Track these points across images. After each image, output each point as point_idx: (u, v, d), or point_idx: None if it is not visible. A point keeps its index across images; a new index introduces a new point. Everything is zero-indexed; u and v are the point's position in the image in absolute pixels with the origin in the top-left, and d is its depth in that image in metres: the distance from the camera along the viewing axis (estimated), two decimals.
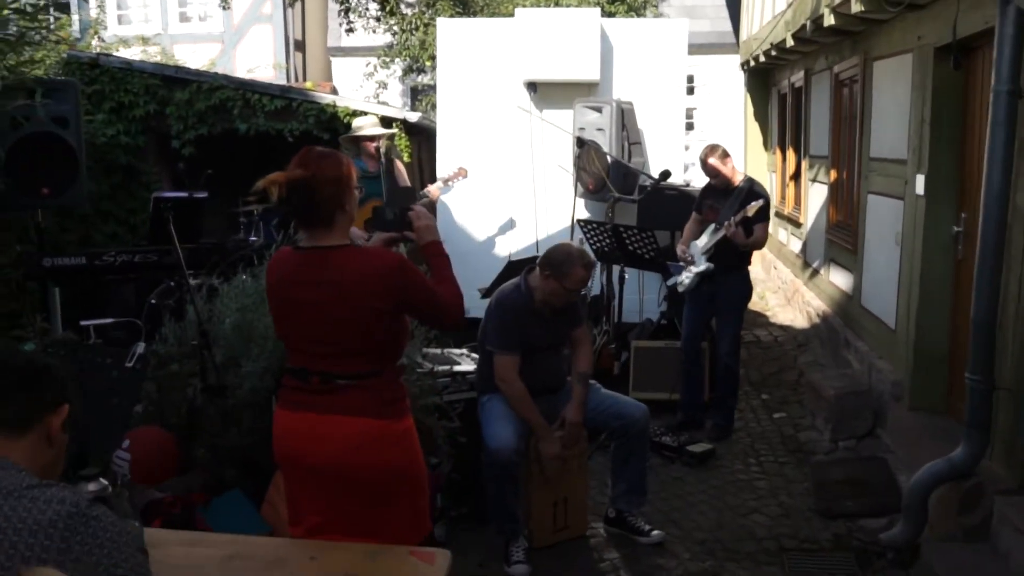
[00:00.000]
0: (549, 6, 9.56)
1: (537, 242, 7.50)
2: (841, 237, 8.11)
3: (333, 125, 7.77)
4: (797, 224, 10.42)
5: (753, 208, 5.88)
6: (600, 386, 4.80)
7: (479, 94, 7.59)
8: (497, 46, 7.48)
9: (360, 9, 11.83)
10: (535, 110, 7.49)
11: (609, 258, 5.89)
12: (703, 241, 6.21)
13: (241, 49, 15.73)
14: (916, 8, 5.79)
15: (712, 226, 6.18)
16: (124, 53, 13.65)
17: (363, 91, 12.40)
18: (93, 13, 15.24)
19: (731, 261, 6.11)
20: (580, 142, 6.71)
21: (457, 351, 5.62)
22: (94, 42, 14.26)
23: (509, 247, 7.61)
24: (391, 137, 8.21)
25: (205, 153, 8.16)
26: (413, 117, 8.35)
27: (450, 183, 6.89)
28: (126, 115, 8.10)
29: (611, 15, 11.22)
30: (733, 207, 6.06)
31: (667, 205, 6.93)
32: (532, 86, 7.43)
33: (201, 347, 4.51)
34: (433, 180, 7.02)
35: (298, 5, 16.18)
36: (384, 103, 9.62)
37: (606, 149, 6.78)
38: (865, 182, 7.31)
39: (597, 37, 7.11)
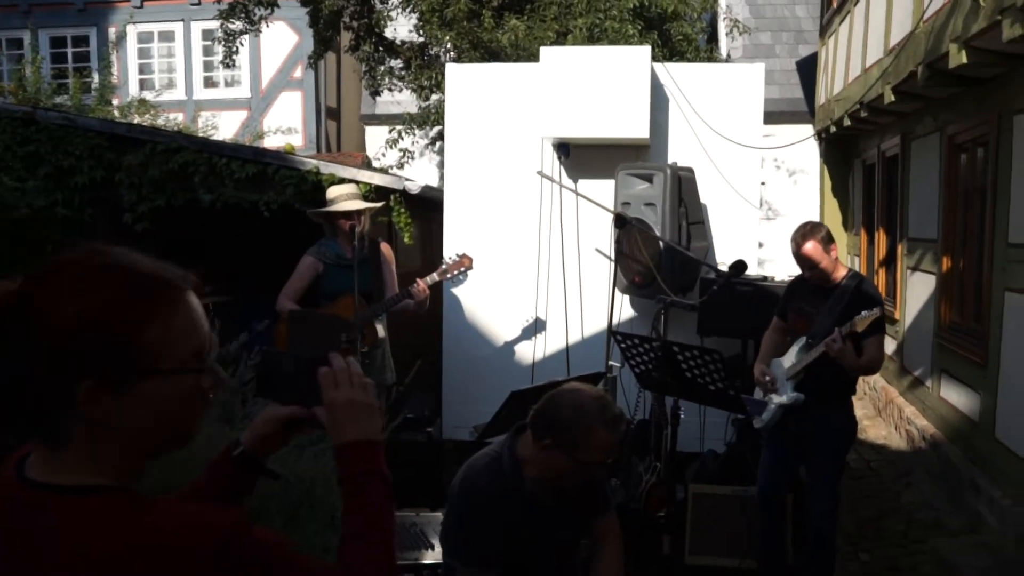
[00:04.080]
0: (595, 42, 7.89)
1: (567, 349, 5.77)
2: (960, 344, 6.21)
3: (316, 196, 6.11)
4: (891, 320, 8.44)
5: (865, 320, 4.03)
6: None
7: (496, 157, 5.97)
8: (518, 96, 5.87)
9: (383, 69, 10.34)
10: (566, 178, 5.80)
11: (657, 386, 4.07)
12: (790, 360, 4.42)
13: (270, 116, 14.42)
14: None
15: (803, 340, 4.38)
16: (140, 121, 12.46)
17: (386, 160, 10.88)
18: (115, 78, 14.12)
19: (831, 390, 4.31)
20: (620, 220, 4.94)
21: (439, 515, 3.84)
22: (113, 108, 13.12)
23: (532, 354, 5.92)
24: (387, 212, 6.53)
25: (163, 229, 6.56)
26: (414, 188, 6.71)
27: (451, 276, 5.19)
28: (67, 182, 6.57)
29: None
30: (833, 313, 4.27)
31: (738, 305, 5.24)
32: (563, 148, 5.77)
33: None
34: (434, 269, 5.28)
35: (332, 70, 14.87)
36: (391, 174, 7.97)
37: (656, 230, 5.05)
38: (1000, 275, 5.44)
39: (647, 84, 5.42)
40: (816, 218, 11.71)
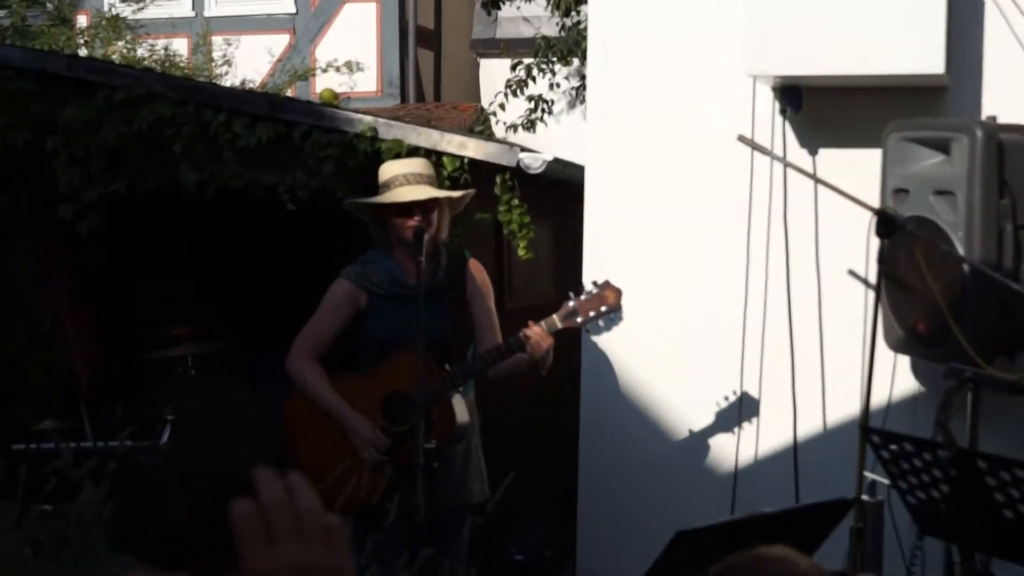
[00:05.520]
0: None
1: (795, 448, 5.75)
2: None
3: (372, 177, 6.16)
4: None
5: None
6: None
7: (671, 112, 6.08)
8: (709, 10, 5.99)
9: None
10: (794, 146, 5.84)
11: (949, 531, 3.89)
12: None
13: (324, 44, 14.72)
14: None
15: None
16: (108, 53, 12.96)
17: (507, 115, 11.40)
18: None
19: None
20: (889, 223, 4.76)
21: None
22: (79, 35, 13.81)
23: (734, 459, 5.94)
24: (492, 205, 6.66)
25: (121, 230, 6.79)
26: (536, 164, 6.64)
27: (585, 320, 5.09)
28: None
29: None
30: None
31: None
32: (789, 94, 5.67)
33: None
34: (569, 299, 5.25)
35: None
36: (501, 141, 7.98)
37: (957, 242, 4.91)
38: None
39: None
40: None
